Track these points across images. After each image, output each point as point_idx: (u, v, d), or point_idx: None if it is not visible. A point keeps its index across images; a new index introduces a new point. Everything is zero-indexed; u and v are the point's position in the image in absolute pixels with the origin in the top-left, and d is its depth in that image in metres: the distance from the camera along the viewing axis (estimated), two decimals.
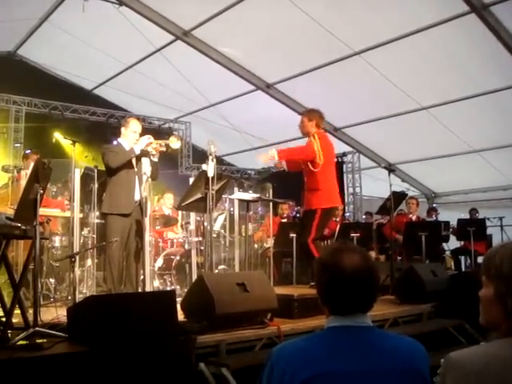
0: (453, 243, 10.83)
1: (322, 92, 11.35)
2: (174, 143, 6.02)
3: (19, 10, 10.17)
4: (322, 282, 1.98)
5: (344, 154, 13.94)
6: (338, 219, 9.22)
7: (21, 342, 3.72)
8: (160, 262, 7.78)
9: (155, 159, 5.99)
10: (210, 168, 5.51)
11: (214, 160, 5.54)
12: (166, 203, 9.00)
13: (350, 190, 14.21)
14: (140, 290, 6.12)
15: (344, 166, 14.05)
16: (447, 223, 9.88)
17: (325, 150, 6.06)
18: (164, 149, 6.03)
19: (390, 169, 7.84)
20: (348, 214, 13.52)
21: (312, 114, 6.31)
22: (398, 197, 8.16)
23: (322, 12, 8.99)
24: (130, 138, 6.04)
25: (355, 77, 10.69)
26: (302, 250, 6.15)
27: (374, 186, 12.71)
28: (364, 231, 8.79)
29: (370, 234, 9.34)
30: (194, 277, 6.86)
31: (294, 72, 11.09)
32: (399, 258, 9.77)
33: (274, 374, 1.86)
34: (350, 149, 13.86)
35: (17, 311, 4.26)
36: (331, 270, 1.94)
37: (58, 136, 9.41)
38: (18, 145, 11.93)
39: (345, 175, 14.04)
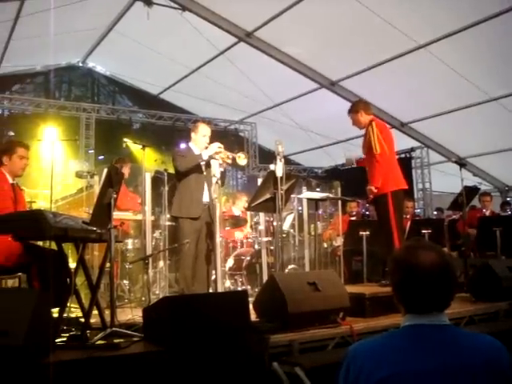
0: None
1: (387, 87, 11.19)
2: (241, 160, 6.09)
3: (86, 21, 10.49)
4: (397, 281, 1.96)
5: (412, 150, 13.67)
6: (408, 216, 9.05)
7: (99, 342, 3.83)
8: (230, 262, 7.84)
9: (221, 169, 6.05)
10: (278, 168, 5.51)
11: (282, 160, 5.55)
12: (239, 205, 9.05)
13: (420, 185, 13.94)
14: (211, 291, 6.21)
15: (412, 161, 13.78)
16: None
17: (383, 137, 5.98)
18: (230, 161, 6.10)
19: (461, 163, 7.62)
20: (418, 211, 13.26)
21: (355, 107, 6.32)
22: (471, 191, 7.94)
23: (384, 6, 8.86)
24: (201, 142, 6.14)
25: (421, 70, 10.48)
26: (386, 241, 6.01)
27: (444, 181, 12.43)
28: (435, 228, 8.56)
29: (442, 230, 9.10)
30: (265, 277, 6.89)
31: (359, 68, 10.98)
32: (472, 254, 9.51)
33: (351, 373, 1.86)
34: (418, 144, 13.58)
35: (94, 312, 4.40)
36: (406, 267, 1.92)
37: (127, 141, 9.65)
38: (92, 151, 12.31)
39: (413, 171, 13.76)
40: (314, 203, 6.68)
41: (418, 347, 1.84)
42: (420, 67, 10.34)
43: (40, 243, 5.44)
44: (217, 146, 5.99)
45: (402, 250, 2.02)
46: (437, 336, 1.87)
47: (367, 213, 10.23)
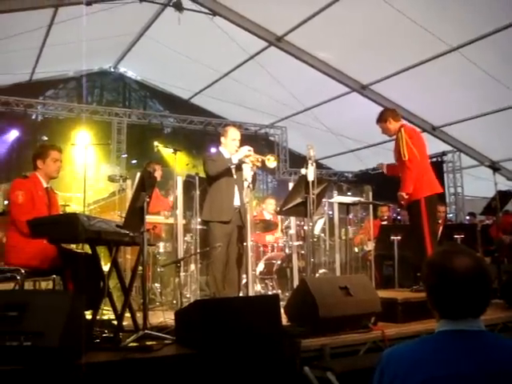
0: None
1: (418, 91, 11.12)
2: (271, 162, 6.06)
3: (118, 26, 10.63)
4: (432, 285, 1.94)
5: (444, 154, 13.53)
6: (440, 221, 8.95)
7: (132, 344, 3.87)
8: (261, 266, 7.83)
9: (252, 172, 6.05)
10: (309, 172, 5.49)
11: (314, 164, 5.53)
12: (268, 208, 9.04)
13: (451, 190, 13.78)
14: (241, 294, 6.22)
15: (444, 165, 13.63)
16: None
17: (413, 143, 5.91)
18: (260, 164, 6.09)
19: (494, 167, 7.54)
20: (450, 215, 13.11)
21: (383, 116, 6.23)
22: (504, 196, 7.83)
23: (415, 9, 8.80)
24: (231, 146, 6.14)
25: (453, 73, 10.38)
26: (418, 246, 5.95)
27: (477, 185, 12.28)
28: (468, 233, 8.44)
29: (475, 235, 8.96)
30: (295, 281, 6.88)
31: (389, 72, 10.93)
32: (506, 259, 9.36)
33: (385, 378, 1.84)
34: (450, 148, 13.43)
35: (126, 314, 4.45)
36: (441, 272, 1.90)
37: (159, 145, 9.72)
38: (125, 155, 12.47)
39: (445, 175, 13.60)
40: (345, 207, 6.66)
41: (453, 352, 1.81)
42: (452, 70, 10.24)
43: (73, 246, 5.53)
44: (246, 150, 5.99)
45: (437, 254, 2.00)
46: (472, 341, 1.84)
47: (398, 217, 10.15)
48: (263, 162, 6.05)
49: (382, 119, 6.22)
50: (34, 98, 12.70)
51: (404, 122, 6.45)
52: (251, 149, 6.04)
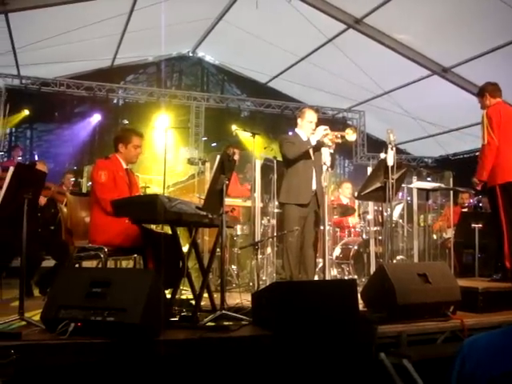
0: None
1: (504, 73, 10.60)
2: (350, 135, 5.94)
3: (196, 12, 10.75)
4: None
5: None
6: None
7: (209, 324, 3.96)
8: (338, 251, 7.80)
9: (331, 150, 5.98)
10: (389, 157, 5.39)
11: (394, 148, 5.43)
12: (345, 192, 8.97)
13: None
14: (317, 279, 6.21)
15: None
16: None
17: (497, 125, 5.66)
18: (340, 140, 5.99)
19: None
20: None
21: (482, 90, 6.06)
22: None
23: None
24: (307, 128, 6.11)
25: None
26: (497, 235, 5.77)
27: None
28: None
29: None
30: (372, 267, 6.81)
31: (473, 53, 10.49)
32: None
33: (467, 368, 1.79)
34: None
35: (204, 295, 4.55)
36: None
37: (237, 129, 9.77)
38: (205, 138, 12.70)
39: None
40: (425, 193, 6.53)
41: None
42: None
43: (153, 227, 5.68)
44: (323, 129, 5.92)
45: None
46: None
47: (480, 204, 9.86)
48: (342, 137, 5.95)
49: (480, 93, 6.08)
50: (115, 82, 13.10)
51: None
52: (327, 127, 5.97)
